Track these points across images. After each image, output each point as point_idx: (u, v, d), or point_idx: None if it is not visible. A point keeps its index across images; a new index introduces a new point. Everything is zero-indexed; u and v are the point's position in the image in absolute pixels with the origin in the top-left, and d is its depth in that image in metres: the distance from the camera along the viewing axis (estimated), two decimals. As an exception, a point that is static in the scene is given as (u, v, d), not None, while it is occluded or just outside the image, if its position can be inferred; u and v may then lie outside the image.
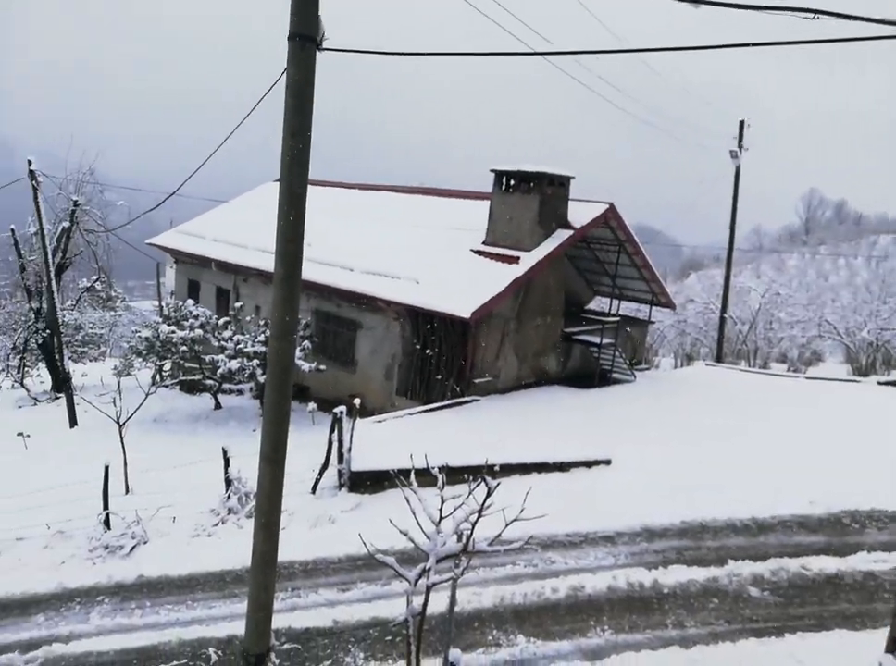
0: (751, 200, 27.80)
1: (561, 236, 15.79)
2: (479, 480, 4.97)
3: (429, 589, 4.98)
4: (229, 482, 11.27)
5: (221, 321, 17.76)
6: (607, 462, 12.24)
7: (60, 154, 23.62)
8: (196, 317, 17.62)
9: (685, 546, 9.58)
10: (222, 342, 17.05)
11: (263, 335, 17.02)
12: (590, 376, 17.93)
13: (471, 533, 4.86)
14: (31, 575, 9.70)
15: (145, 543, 10.35)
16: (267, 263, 18.45)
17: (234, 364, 16.52)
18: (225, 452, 11.37)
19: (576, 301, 19.79)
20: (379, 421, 13.69)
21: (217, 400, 18.56)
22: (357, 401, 12.94)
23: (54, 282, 19.47)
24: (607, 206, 16.56)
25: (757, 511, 10.46)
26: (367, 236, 18.66)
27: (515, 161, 15.79)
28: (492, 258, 15.73)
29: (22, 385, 24.88)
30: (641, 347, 21.71)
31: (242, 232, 21.37)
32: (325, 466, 11.81)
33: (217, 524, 10.77)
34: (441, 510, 4.92)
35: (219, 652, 6.84)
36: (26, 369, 26.15)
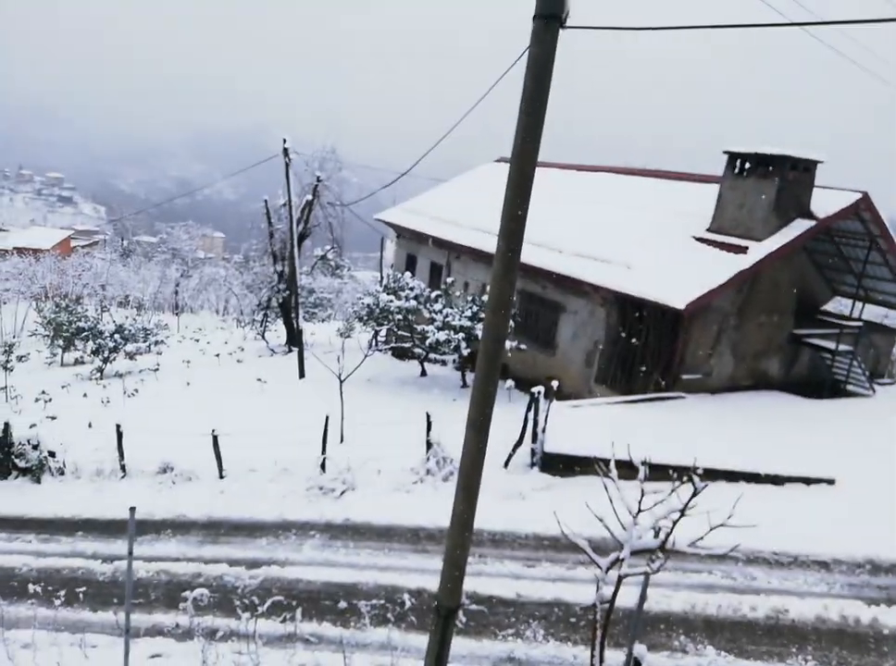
0: None
1: (800, 226, 14.17)
2: (685, 479, 4.70)
3: (620, 579, 4.86)
4: (429, 445, 11.94)
5: (433, 294, 18.72)
6: (830, 482, 10.92)
7: (306, 133, 26.42)
8: (412, 289, 18.78)
9: (921, 589, 8.27)
10: (433, 314, 17.99)
11: (470, 310, 17.64)
12: (818, 384, 16.01)
13: (671, 531, 4.64)
14: (259, 504, 11.20)
15: (353, 490, 11.38)
16: (480, 241, 19.20)
17: (442, 336, 17.35)
18: (428, 417, 12.05)
19: (810, 299, 17.70)
20: (576, 406, 13.54)
21: (423, 367, 19.68)
22: (555, 384, 12.93)
23: (296, 249, 21.95)
24: (860, 195, 14.49)
25: None
26: (579, 217, 18.37)
27: (750, 142, 14.44)
28: (716, 246, 14.61)
29: (263, 338, 28.53)
30: (886, 359, 18.86)
31: (458, 211, 22.23)
32: (519, 443, 12.00)
33: (415, 483, 11.49)
34: (640, 503, 4.76)
35: (413, 600, 7.33)
36: (267, 324, 29.94)
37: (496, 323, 4.01)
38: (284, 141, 20.37)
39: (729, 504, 5.29)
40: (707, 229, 15.23)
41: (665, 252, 15.11)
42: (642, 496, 4.75)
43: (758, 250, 13.89)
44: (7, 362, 20.40)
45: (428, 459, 11.82)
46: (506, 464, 11.96)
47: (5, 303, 37.02)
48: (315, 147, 25.61)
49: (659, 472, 6.86)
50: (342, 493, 11.28)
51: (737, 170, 14.69)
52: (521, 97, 3.70)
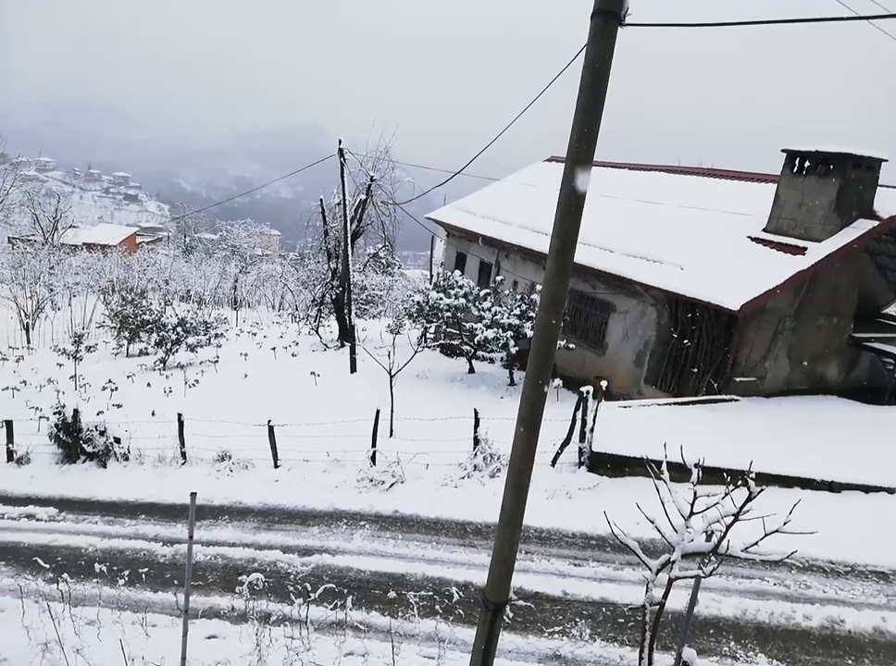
0: None
1: (862, 227, 13.67)
2: (740, 483, 4.67)
3: (671, 582, 4.86)
4: (476, 441, 12.05)
5: (482, 292, 18.81)
6: (890, 491, 10.56)
7: (361, 134, 26.78)
8: (461, 287, 18.90)
9: None
10: (481, 312, 18.07)
11: (518, 308, 17.65)
12: (879, 390, 15.43)
13: (724, 534, 4.61)
14: (312, 493, 11.52)
15: (402, 482, 11.59)
16: (530, 240, 19.19)
17: (490, 333, 17.42)
18: (476, 414, 12.17)
19: (871, 302, 17.06)
20: (625, 406, 13.43)
21: (471, 364, 19.79)
22: (604, 384, 12.86)
23: (349, 247, 22.35)
24: (930, 194, 13.90)
25: None
26: (631, 217, 18.14)
27: (810, 140, 14.01)
28: (773, 247, 14.24)
29: (317, 332, 29.14)
30: (956, 365, 18.00)
31: (508, 210, 22.22)
32: (566, 442, 11.99)
33: (463, 478, 11.62)
34: (692, 505, 4.75)
35: (460, 593, 7.45)
36: (321, 319, 30.56)
37: (548, 322, 4.07)
38: (340, 141, 20.77)
39: (783, 510, 5.22)
40: (763, 229, 14.86)
41: (719, 252, 14.81)
42: (695, 498, 4.74)
43: (817, 251, 13.48)
44: (77, 352, 21.43)
45: (475, 455, 11.94)
46: (553, 463, 11.98)
47: (74, 296, 38.84)
48: (369, 147, 25.99)
49: (711, 475, 6.80)
50: (391, 485, 11.51)
51: (796, 169, 14.28)
52: (577, 96, 3.74)
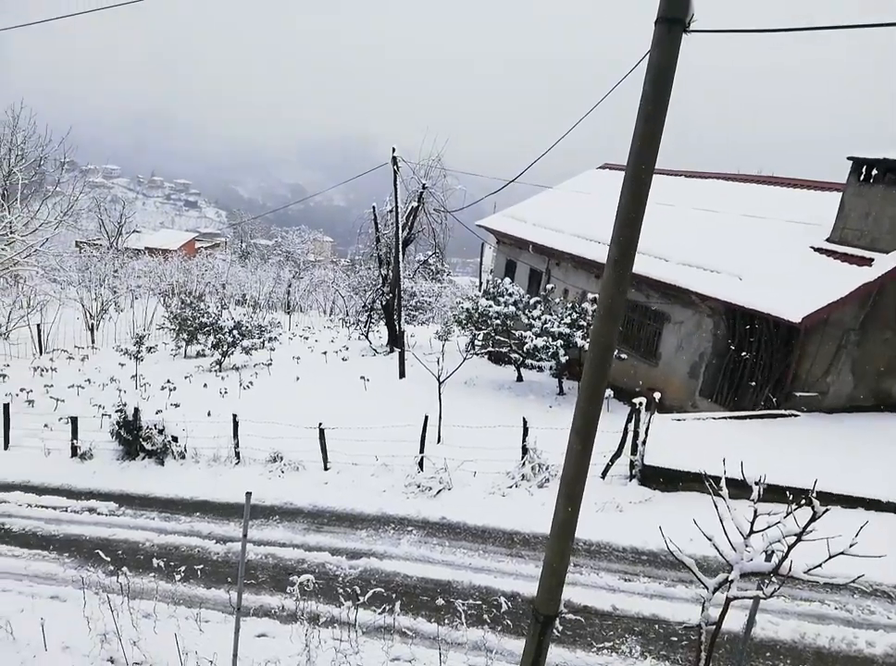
0: None
1: (935, 237, 13.05)
2: (803, 501, 4.49)
3: (728, 602, 4.71)
4: (525, 450, 11.96)
5: (532, 300, 18.69)
6: (965, 517, 9.99)
7: (412, 143, 27.05)
8: (511, 295, 18.84)
9: None
10: (531, 320, 17.96)
11: (569, 317, 17.47)
12: (952, 409, 14.65)
13: (785, 555, 4.44)
14: (361, 497, 11.63)
15: (449, 489, 11.59)
16: (581, 248, 19.00)
17: (539, 342, 17.29)
18: (525, 422, 12.08)
19: (945, 317, 16.23)
20: (679, 419, 13.12)
21: (519, 372, 19.67)
22: (657, 396, 12.60)
23: (400, 253, 22.55)
24: None
25: None
26: (688, 225, 17.76)
27: (877, 147, 13.45)
28: (837, 257, 13.71)
29: (367, 338, 29.46)
30: None
31: (560, 217, 22.06)
32: (617, 454, 11.79)
33: (511, 487, 11.55)
34: (752, 523, 4.59)
35: (508, 603, 7.39)
36: (371, 325, 30.88)
37: (605, 331, 4.01)
38: (393, 149, 21.00)
39: (845, 530, 5.00)
40: (827, 240, 14.33)
41: (779, 262, 14.34)
42: (755, 516, 4.58)
43: (885, 262, 12.92)
44: (138, 352, 22.22)
45: (523, 464, 11.85)
46: (604, 475, 11.78)
47: (136, 299, 40.31)
48: (421, 155, 26.18)
49: (770, 492, 6.55)
50: (439, 492, 11.52)
51: (862, 177, 13.73)
52: (639, 103, 3.68)
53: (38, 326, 26.80)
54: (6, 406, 14.77)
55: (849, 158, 14.00)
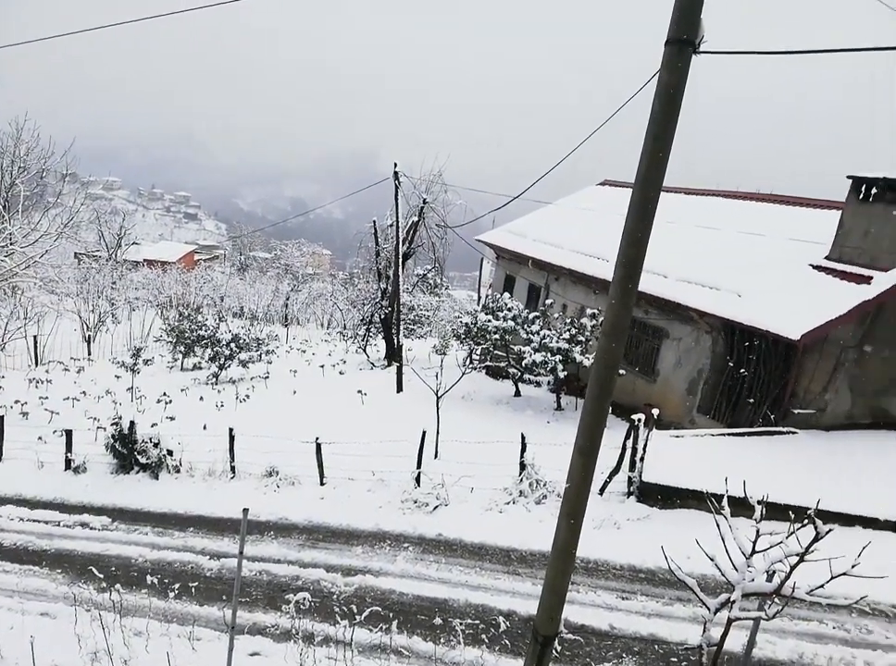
0: None
1: (933, 255, 13.09)
2: (805, 521, 4.45)
3: (730, 622, 4.64)
4: (523, 466, 11.88)
5: (531, 315, 18.69)
6: (965, 537, 9.93)
7: (413, 160, 27.21)
8: (510, 309, 18.83)
9: None
10: (530, 335, 17.94)
11: (568, 332, 17.46)
12: (951, 428, 14.62)
13: (788, 575, 4.39)
14: (356, 512, 11.51)
15: (446, 505, 11.49)
16: (581, 263, 19.02)
17: (538, 357, 17.26)
18: (523, 438, 12.01)
19: (943, 335, 16.25)
20: (677, 436, 13.05)
21: (517, 387, 19.62)
22: (655, 412, 12.55)
23: (400, 267, 22.58)
24: None
25: None
26: (687, 242, 17.80)
27: (876, 166, 13.56)
28: (836, 275, 13.74)
29: (364, 351, 29.42)
30: None
31: (559, 233, 22.11)
32: (615, 471, 11.72)
33: (508, 503, 11.45)
34: (755, 543, 4.54)
35: (506, 622, 7.29)
36: (368, 338, 30.85)
37: (609, 349, 3.99)
38: (395, 165, 21.10)
39: (844, 549, 4.96)
40: (826, 257, 14.37)
41: (779, 279, 14.37)
42: (757, 536, 4.53)
43: (884, 280, 12.94)
44: (135, 365, 22.13)
45: (521, 480, 11.76)
46: (602, 491, 11.70)
47: (134, 310, 40.28)
48: (423, 171, 26.31)
49: (770, 510, 6.50)
50: (436, 508, 11.42)
51: (862, 196, 13.80)
52: (648, 123, 3.68)
53: (35, 337, 26.72)
54: (1, 418, 14.66)
55: (848, 177, 14.07)
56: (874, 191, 13.61)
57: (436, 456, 13.73)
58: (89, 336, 30.75)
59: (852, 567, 4.34)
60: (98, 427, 15.37)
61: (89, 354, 29.67)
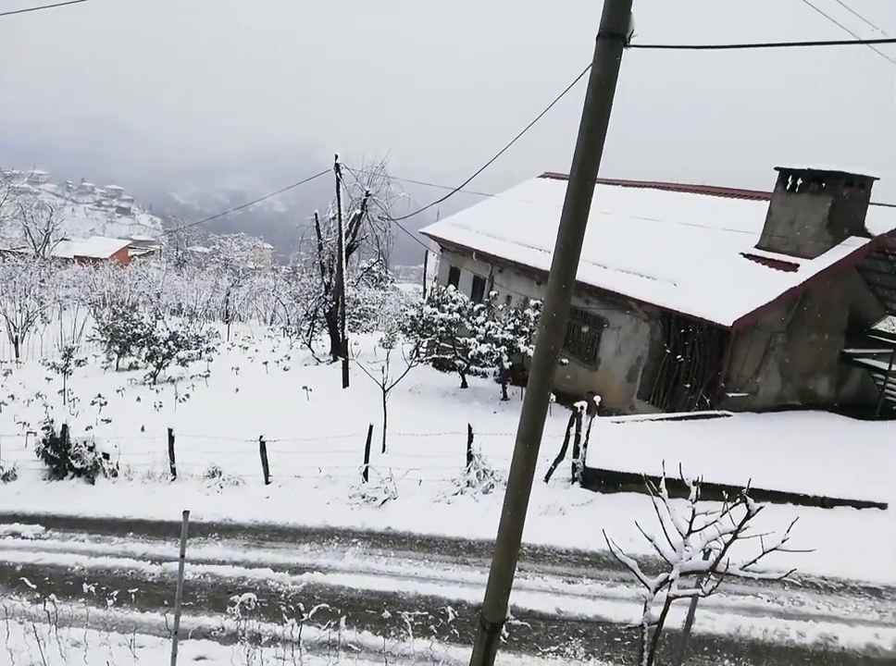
0: None
1: (853, 244, 13.80)
2: (738, 500, 4.64)
3: (669, 601, 4.81)
4: (470, 457, 11.97)
5: (476, 307, 18.81)
6: (882, 506, 10.57)
7: (357, 150, 26.96)
8: (455, 302, 18.90)
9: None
10: (475, 327, 18.06)
11: (512, 323, 17.66)
12: (870, 406, 15.51)
13: (722, 553, 4.57)
14: (304, 510, 11.38)
15: (395, 499, 11.49)
16: (523, 255, 19.25)
17: (484, 348, 17.40)
18: (470, 429, 12.10)
19: (862, 319, 17.18)
20: (618, 422, 13.40)
21: (464, 379, 19.74)
22: (597, 399, 12.84)
23: (343, 261, 22.33)
24: (919, 212, 14.06)
25: None
26: (625, 233, 18.24)
27: (803, 159, 14.19)
28: (765, 263, 14.35)
29: (309, 347, 29.02)
30: (946, 381, 18.11)
31: (503, 225, 22.31)
32: (560, 458, 11.94)
33: (456, 494, 11.53)
34: (691, 523, 4.71)
35: (455, 612, 7.34)
36: (313, 334, 30.44)
37: (549, 338, 4.05)
38: (336, 156, 20.83)
39: (777, 526, 5.19)
40: (756, 246, 14.97)
41: (712, 268, 14.89)
42: (693, 516, 4.70)
43: (809, 267, 13.59)
44: (67, 366, 21.22)
45: (469, 471, 11.86)
46: (547, 479, 11.91)
47: (65, 309, 38.60)
48: (365, 163, 26.04)
49: (706, 491, 6.75)
50: (384, 502, 11.40)
51: (788, 187, 14.43)
52: (582, 116, 3.73)
53: (-44, 339, 25.30)
54: (-80, 426, 13.84)
55: (776, 168, 14.67)
56: (799, 181, 14.25)
57: (384, 450, 13.69)
58: (16, 337, 29.30)
59: (783, 542, 4.55)
60: (28, 432, 14.70)
61: (17, 356, 28.28)
